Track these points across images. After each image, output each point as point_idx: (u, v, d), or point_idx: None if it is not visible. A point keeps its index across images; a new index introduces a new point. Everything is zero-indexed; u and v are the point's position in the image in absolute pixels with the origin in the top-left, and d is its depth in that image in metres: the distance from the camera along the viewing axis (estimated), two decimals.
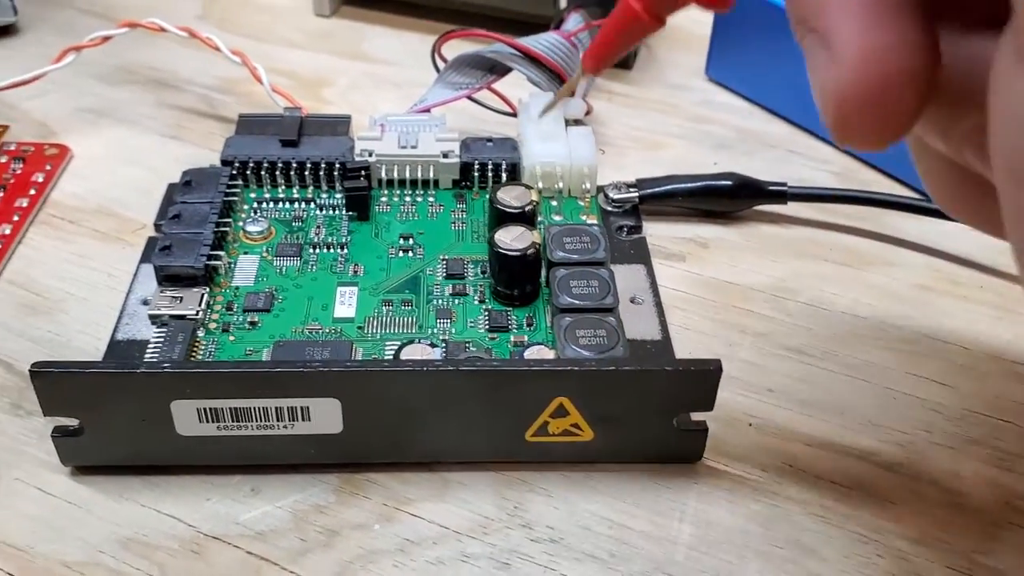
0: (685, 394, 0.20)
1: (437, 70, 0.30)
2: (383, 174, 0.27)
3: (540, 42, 0.29)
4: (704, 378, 0.20)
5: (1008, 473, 0.22)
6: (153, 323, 0.24)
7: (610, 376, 0.20)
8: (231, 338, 0.23)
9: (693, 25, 0.35)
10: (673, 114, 0.33)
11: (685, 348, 0.25)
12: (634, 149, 0.32)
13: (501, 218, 0.25)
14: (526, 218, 0.25)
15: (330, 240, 0.26)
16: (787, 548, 0.20)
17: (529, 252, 0.23)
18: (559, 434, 0.21)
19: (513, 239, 0.24)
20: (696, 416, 0.21)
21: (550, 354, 0.22)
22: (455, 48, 0.31)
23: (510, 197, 0.25)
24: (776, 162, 0.31)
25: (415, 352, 0.22)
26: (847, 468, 0.22)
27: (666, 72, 0.35)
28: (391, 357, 0.23)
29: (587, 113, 0.31)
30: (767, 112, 0.33)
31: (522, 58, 0.29)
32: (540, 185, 0.27)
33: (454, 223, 0.27)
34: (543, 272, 0.24)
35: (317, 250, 0.26)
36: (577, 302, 0.23)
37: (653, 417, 0.21)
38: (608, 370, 0.20)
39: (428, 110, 0.30)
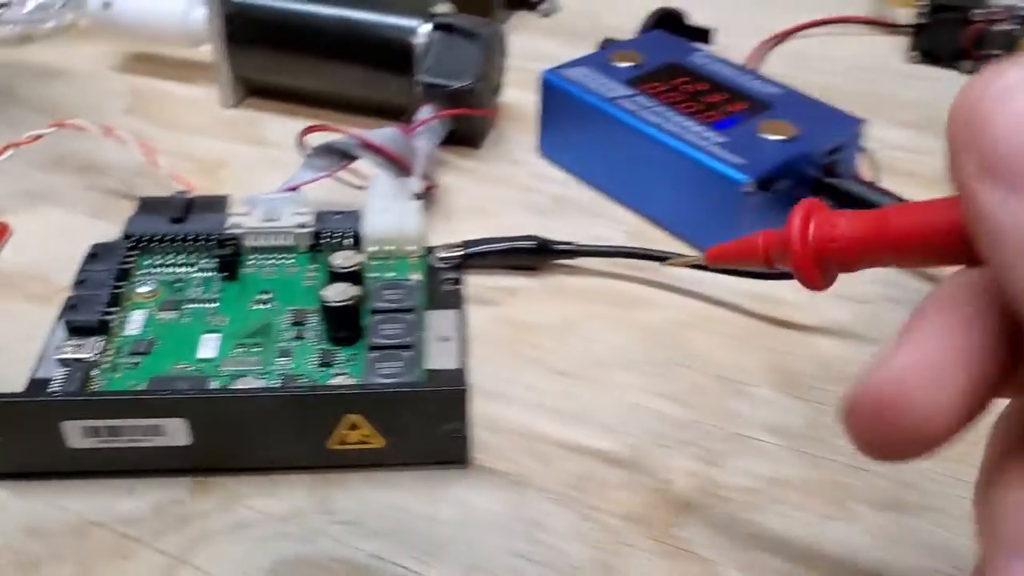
0: (442, 409, 0.27)
1: (304, 156, 0.37)
2: (250, 242, 0.34)
3: (381, 135, 0.36)
4: (452, 397, 0.27)
5: (709, 465, 0.29)
6: (60, 365, 0.30)
7: (384, 396, 0.27)
8: (117, 375, 0.30)
9: (534, 110, 0.42)
10: (507, 186, 0.40)
11: (479, 374, 0.31)
12: (471, 215, 0.39)
13: (333, 277, 0.32)
14: (353, 277, 0.32)
15: (204, 297, 0.33)
16: (523, 524, 0.27)
17: (348, 303, 0.30)
18: (355, 443, 0.28)
19: (337, 293, 0.31)
20: (459, 426, 0.28)
21: (349, 381, 0.29)
22: (318, 138, 0.38)
23: (340, 259, 0.32)
24: (583, 223, 0.38)
25: (246, 382, 0.29)
26: (585, 464, 0.29)
27: (507, 150, 0.42)
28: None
29: (430, 188, 0.38)
30: (582, 182, 0.40)
31: (367, 148, 0.36)
32: (375, 248, 0.34)
33: (306, 280, 0.34)
34: (368, 318, 0.31)
35: (193, 305, 0.33)
36: (382, 340, 0.30)
37: (425, 427, 0.28)
38: (382, 392, 0.27)
39: (296, 188, 0.36)
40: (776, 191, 0.35)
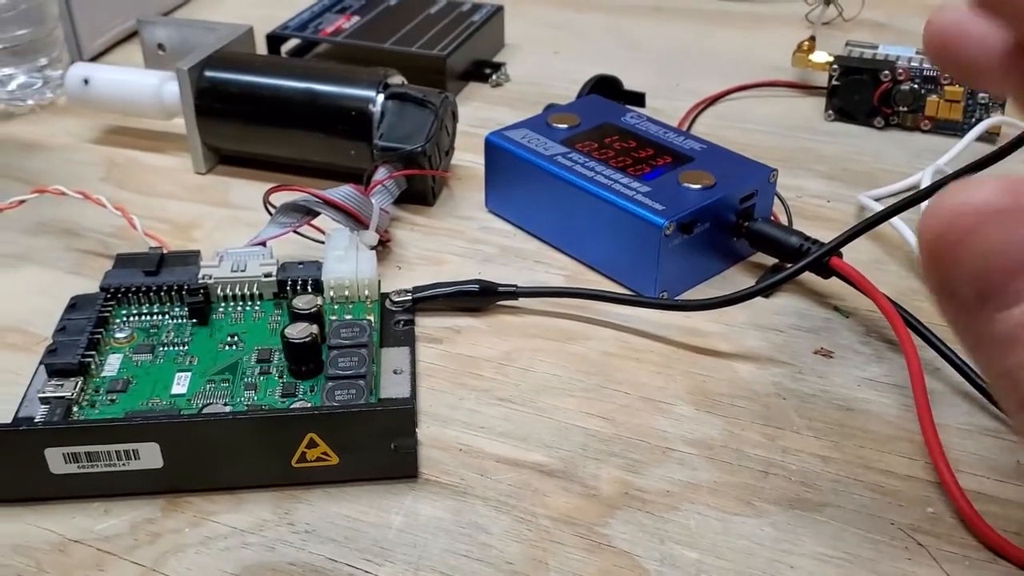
0: (391, 428, 0.30)
1: (269, 213, 0.41)
2: (219, 291, 0.38)
3: (338, 193, 0.40)
4: (400, 415, 0.30)
5: (632, 474, 0.32)
6: (42, 403, 0.33)
7: (337, 416, 0.30)
8: (96, 411, 0.33)
9: (483, 170, 0.45)
10: (457, 238, 0.44)
11: (428, 402, 0.34)
12: (423, 265, 0.42)
13: (295, 317, 0.35)
14: (312, 317, 0.35)
15: (176, 340, 0.36)
16: (466, 528, 0.30)
17: (307, 340, 0.34)
18: (314, 460, 0.31)
19: (298, 331, 0.34)
20: (408, 442, 0.31)
21: (307, 405, 0.32)
22: (282, 197, 0.41)
23: (301, 302, 0.35)
24: (525, 269, 0.42)
25: (215, 408, 0.32)
26: (521, 475, 0.32)
27: (458, 206, 0.46)
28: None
29: (385, 241, 0.42)
30: (526, 233, 0.44)
31: (325, 204, 0.40)
32: (333, 294, 0.37)
33: (271, 324, 0.37)
34: (326, 354, 0.34)
35: (166, 348, 0.36)
36: (338, 371, 0.33)
37: (376, 445, 0.31)
38: (336, 412, 0.30)
39: (263, 243, 0.40)
40: (696, 233, 0.38)
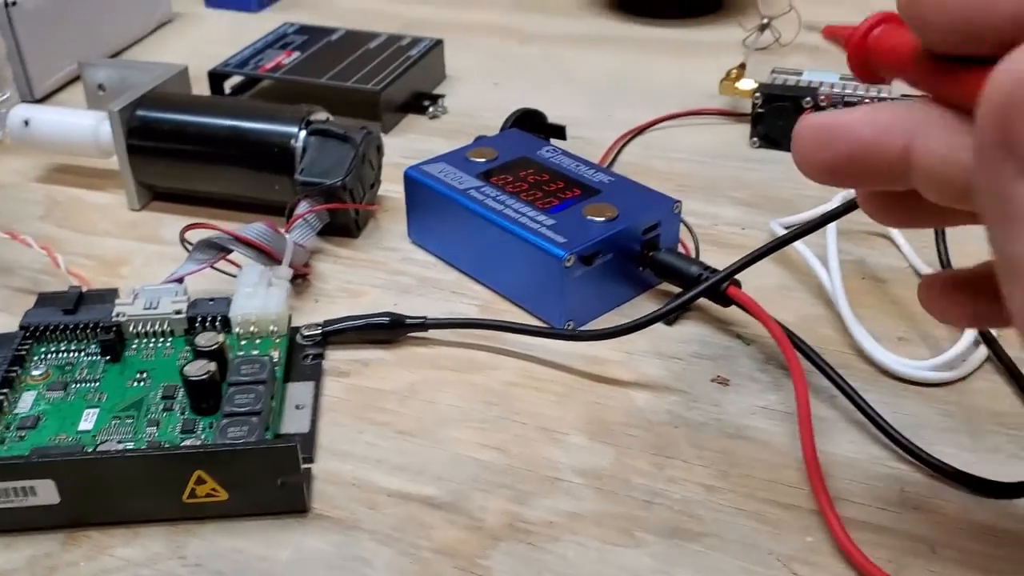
0: (277, 465, 0.31)
1: (187, 250, 0.42)
2: (132, 329, 0.39)
3: (250, 230, 0.41)
4: (283, 452, 0.31)
5: (519, 505, 0.32)
6: None
7: (221, 453, 0.31)
8: (4, 447, 0.34)
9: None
10: (379, 270, 0.45)
11: (327, 436, 0.35)
12: (342, 298, 0.43)
13: (197, 355, 0.36)
14: (213, 354, 0.36)
15: (88, 377, 0.37)
16: (350, 561, 0.31)
17: (203, 377, 0.34)
18: (204, 496, 0.32)
19: (196, 369, 0.35)
20: (296, 478, 0.32)
21: (197, 442, 0.33)
22: (199, 234, 0.42)
23: (203, 340, 0.36)
24: (441, 300, 0.42)
25: (109, 446, 0.33)
26: (410, 508, 0.32)
27: (382, 238, 0.47)
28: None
29: (303, 275, 0.43)
30: (446, 264, 0.45)
31: (237, 242, 0.41)
32: (240, 330, 0.38)
33: (180, 360, 0.38)
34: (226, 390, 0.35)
35: (78, 385, 0.37)
36: (234, 408, 0.34)
37: (263, 481, 0.31)
38: (220, 449, 0.31)
39: (181, 279, 0.41)
40: (597, 264, 0.39)
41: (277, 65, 0.58)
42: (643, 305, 0.42)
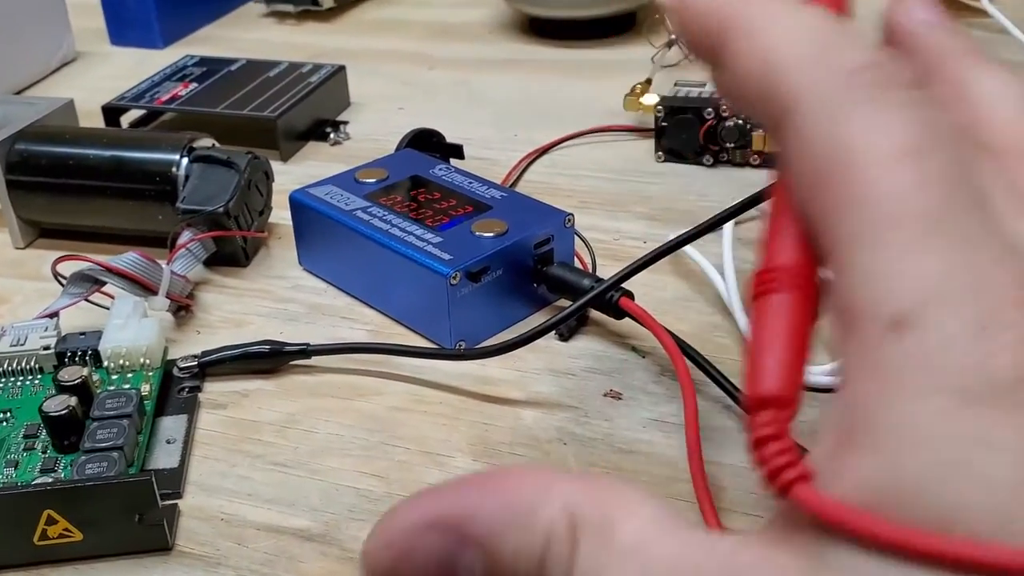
0: (132, 502, 0.29)
1: (61, 284, 0.40)
2: None
3: (122, 260, 0.39)
4: (137, 487, 0.29)
5: None
6: None
7: (69, 491, 0.29)
8: None
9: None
10: (265, 298, 0.43)
11: (199, 471, 0.33)
12: (225, 328, 0.41)
13: (61, 390, 0.34)
14: (76, 389, 0.34)
15: None
16: None
17: (63, 414, 0.33)
18: (57, 538, 0.30)
19: (56, 405, 0.33)
20: (154, 514, 0.30)
21: (46, 480, 0.31)
22: (72, 267, 0.40)
23: (66, 375, 0.34)
24: (330, 326, 0.41)
25: None
26: (280, 542, 0.31)
27: (272, 265, 0.45)
28: None
29: (185, 306, 0.41)
30: (337, 290, 0.43)
31: (109, 273, 0.39)
32: (110, 364, 0.37)
33: (46, 398, 0.36)
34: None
35: None
36: (95, 444, 0.32)
37: (120, 519, 0.30)
38: (68, 487, 0.29)
39: (55, 314, 0.39)
40: (486, 281, 0.38)
41: (173, 97, 0.56)
42: (539, 321, 0.40)
